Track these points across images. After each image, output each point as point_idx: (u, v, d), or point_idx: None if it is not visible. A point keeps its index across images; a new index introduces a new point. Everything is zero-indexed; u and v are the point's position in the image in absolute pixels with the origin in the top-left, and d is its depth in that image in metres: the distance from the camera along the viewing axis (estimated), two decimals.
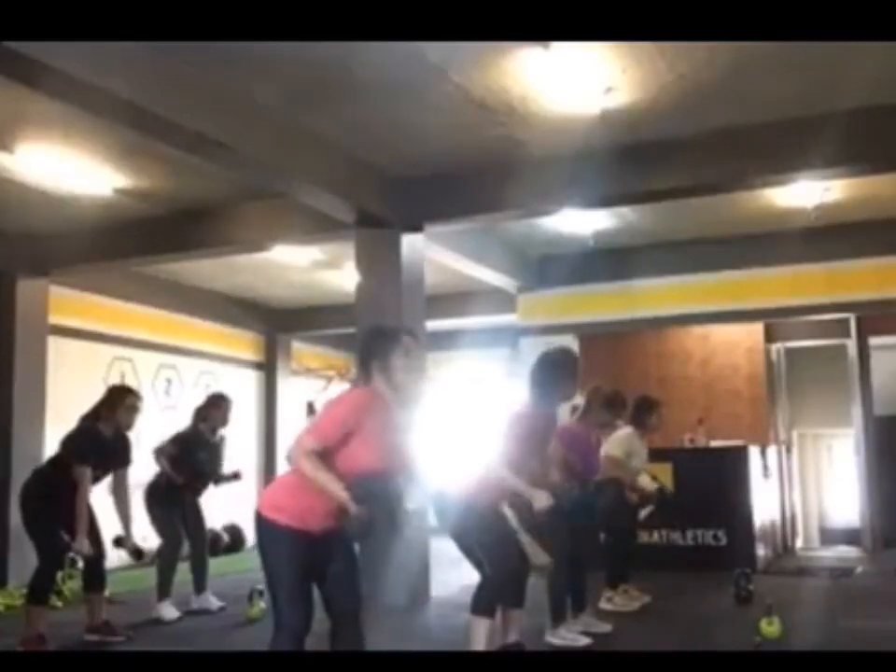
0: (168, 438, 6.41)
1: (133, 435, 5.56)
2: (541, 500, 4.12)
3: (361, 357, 3.17)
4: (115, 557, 5.48)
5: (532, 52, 4.72)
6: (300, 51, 4.63)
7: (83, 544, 5.12)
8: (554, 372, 4.40)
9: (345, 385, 12.00)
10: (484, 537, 4.15)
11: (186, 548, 6.40)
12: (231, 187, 6.94)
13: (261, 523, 3.07)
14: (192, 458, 6.29)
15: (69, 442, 5.30)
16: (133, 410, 5.40)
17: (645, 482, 6.31)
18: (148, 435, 6.50)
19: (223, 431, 6.55)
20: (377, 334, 3.24)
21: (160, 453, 6.27)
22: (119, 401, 5.37)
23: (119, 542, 5.44)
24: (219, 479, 6.48)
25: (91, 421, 5.32)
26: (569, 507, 4.52)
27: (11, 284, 8.14)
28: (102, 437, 5.29)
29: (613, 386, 6.00)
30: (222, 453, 6.55)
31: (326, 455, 2.97)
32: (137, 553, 5.41)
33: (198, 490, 6.43)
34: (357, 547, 3.28)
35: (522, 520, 4.97)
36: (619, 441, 6.13)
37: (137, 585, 7.13)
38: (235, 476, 6.51)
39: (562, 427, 5.01)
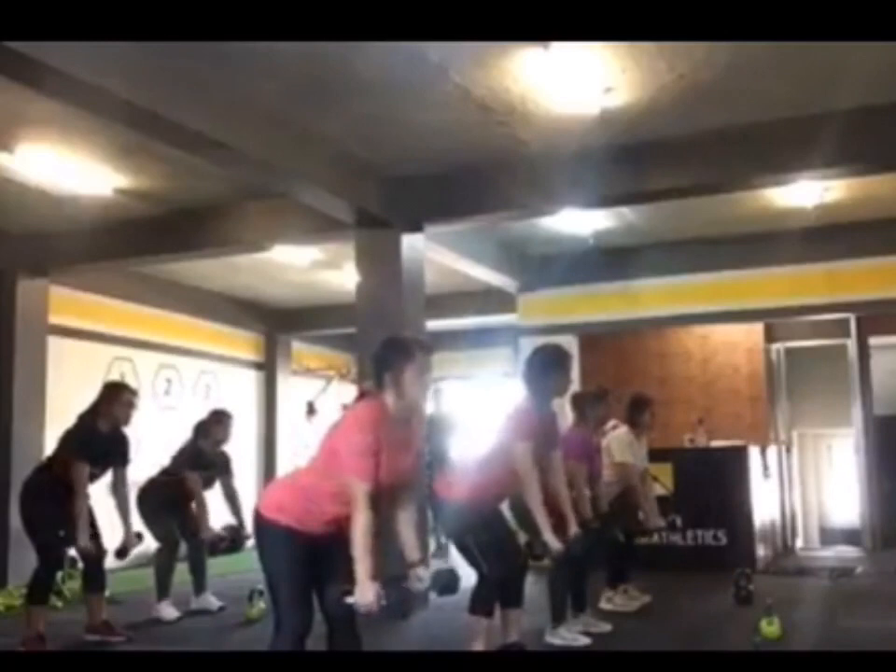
0: (170, 460, 6.35)
1: (132, 435, 5.56)
2: (555, 543, 4.16)
3: (375, 367, 3.13)
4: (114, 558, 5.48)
5: (532, 52, 4.72)
6: (300, 51, 4.63)
7: (85, 540, 5.13)
8: (545, 368, 4.42)
9: (345, 386, 12.02)
10: (482, 536, 4.15)
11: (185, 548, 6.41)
12: (230, 187, 6.94)
13: (261, 523, 3.06)
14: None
15: (67, 439, 5.30)
16: (130, 405, 5.40)
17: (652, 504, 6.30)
18: (148, 435, 6.49)
19: (225, 447, 6.52)
20: (392, 345, 3.18)
21: (189, 478, 6.20)
22: (116, 397, 5.37)
23: (121, 553, 5.43)
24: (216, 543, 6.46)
25: (89, 418, 5.32)
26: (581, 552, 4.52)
27: (11, 284, 8.14)
28: (100, 434, 5.30)
29: (614, 387, 6.03)
30: (230, 473, 6.51)
31: (328, 476, 2.97)
32: (121, 552, 5.41)
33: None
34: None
35: (521, 519, 4.98)
36: (620, 442, 6.12)
37: (137, 585, 7.12)
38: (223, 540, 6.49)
39: (563, 438, 5.02)
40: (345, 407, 5.92)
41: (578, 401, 5.62)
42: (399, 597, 2.89)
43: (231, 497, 6.48)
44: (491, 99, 5.40)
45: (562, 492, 4.47)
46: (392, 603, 2.84)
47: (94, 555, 5.28)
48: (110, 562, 5.46)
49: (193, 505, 6.28)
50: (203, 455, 6.34)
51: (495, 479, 4.25)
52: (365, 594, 2.80)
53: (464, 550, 4.26)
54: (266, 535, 3.05)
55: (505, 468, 4.21)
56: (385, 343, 3.23)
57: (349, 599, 2.83)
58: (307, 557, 3.00)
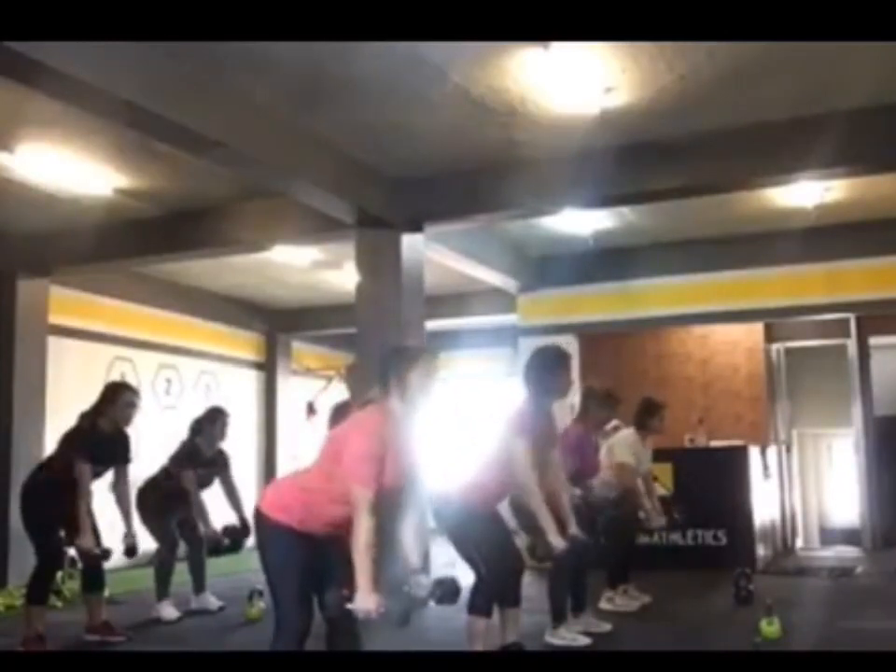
0: (168, 459, 6.31)
1: (132, 433, 5.55)
2: (559, 543, 4.16)
3: (381, 373, 3.18)
4: (114, 557, 5.46)
5: (532, 52, 4.72)
6: (299, 51, 4.64)
7: (88, 542, 5.11)
8: (546, 369, 4.42)
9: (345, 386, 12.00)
10: (480, 537, 4.16)
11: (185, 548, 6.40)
12: (231, 187, 6.94)
13: (263, 522, 3.07)
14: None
15: (67, 440, 5.29)
16: (131, 406, 5.38)
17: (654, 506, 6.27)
18: (149, 435, 6.44)
19: (222, 445, 6.49)
20: (398, 352, 3.29)
21: (184, 476, 6.14)
22: (117, 397, 5.36)
23: (130, 552, 5.36)
24: (218, 549, 6.29)
25: (90, 418, 5.31)
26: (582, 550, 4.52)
27: (11, 284, 8.14)
28: (101, 434, 5.28)
29: (614, 387, 6.03)
30: (228, 470, 6.44)
31: (331, 479, 2.97)
32: (130, 551, 5.36)
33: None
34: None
35: (522, 520, 4.98)
36: (626, 444, 6.12)
37: (137, 585, 7.13)
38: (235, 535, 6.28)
39: (563, 431, 5.03)
40: (336, 407, 5.90)
41: (588, 396, 5.62)
42: (399, 606, 2.89)
43: (231, 494, 6.45)
44: (491, 99, 5.39)
45: (561, 493, 4.46)
46: (392, 611, 2.85)
47: (95, 557, 5.28)
48: (111, 562, 5.45)
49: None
50: (200, 452, 6.33)
51: (494, 480, 4.25)
52: (365, 601, 2.81)
53: (462, 550, 4.26)
54: (267, 534, 3.06)
55: (504, 468, 4.22)
56: (392, 350, 3.33)
57: (349, 605, 2.83)
58: (308, 557, 3.01)
